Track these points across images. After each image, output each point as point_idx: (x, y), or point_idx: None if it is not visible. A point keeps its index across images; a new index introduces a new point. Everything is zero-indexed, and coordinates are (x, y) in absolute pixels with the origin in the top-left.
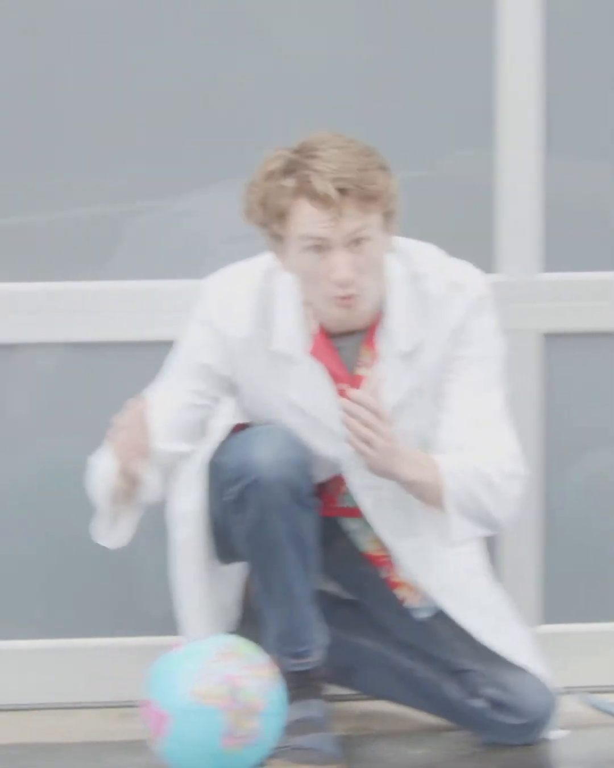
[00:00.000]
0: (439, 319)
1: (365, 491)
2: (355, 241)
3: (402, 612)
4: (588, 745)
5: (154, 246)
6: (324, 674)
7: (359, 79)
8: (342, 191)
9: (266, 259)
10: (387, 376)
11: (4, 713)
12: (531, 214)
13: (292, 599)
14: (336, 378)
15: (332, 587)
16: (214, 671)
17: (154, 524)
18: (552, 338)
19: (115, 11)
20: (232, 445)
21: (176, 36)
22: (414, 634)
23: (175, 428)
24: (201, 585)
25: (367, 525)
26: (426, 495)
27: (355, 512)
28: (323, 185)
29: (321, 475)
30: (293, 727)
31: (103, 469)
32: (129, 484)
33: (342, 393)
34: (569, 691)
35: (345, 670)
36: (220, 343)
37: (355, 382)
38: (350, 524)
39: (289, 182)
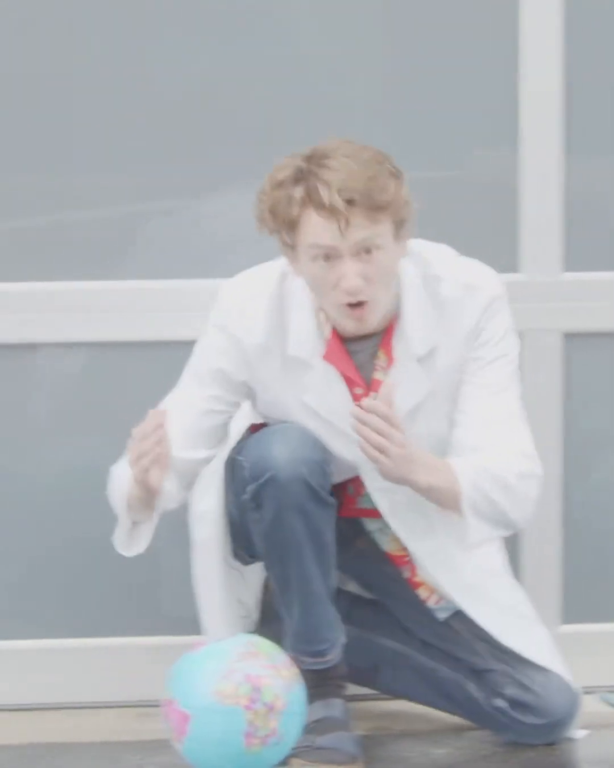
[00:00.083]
0: (454, 322)
1: (382, 493)
2: (365, 250)
3: (424, 612)
4: (609, 745)
5: (175, 246)
6: (344, 673)
7: (382, 79)
8: (349, 201)
9: (282, 262)
10: (402, 379)
11: (23, 713)
12: (553, 214)
13: (310, 597)
14: (350, 382)
15: (354, 587)
16: (235, 671)
17: (175, 524)
18: (573, 338)
19: (137, 12)
20: (249, 444)
21: (199, 38)
22: (436, 633)
23: (193, 435)
24: (221, 584)
25: (387, 525)
26: (442, 499)
27: (375, 513)
28: (329, 195)
29: (339, 477)
30: (314, 727)
31: (120, 478)
32: (146, 494)
33: (357, 397)
34: (589, 690)
35: (367, 670)
36: (235, 348)
37: (371, 386)
38: (371, 524)
39: (298, 192)
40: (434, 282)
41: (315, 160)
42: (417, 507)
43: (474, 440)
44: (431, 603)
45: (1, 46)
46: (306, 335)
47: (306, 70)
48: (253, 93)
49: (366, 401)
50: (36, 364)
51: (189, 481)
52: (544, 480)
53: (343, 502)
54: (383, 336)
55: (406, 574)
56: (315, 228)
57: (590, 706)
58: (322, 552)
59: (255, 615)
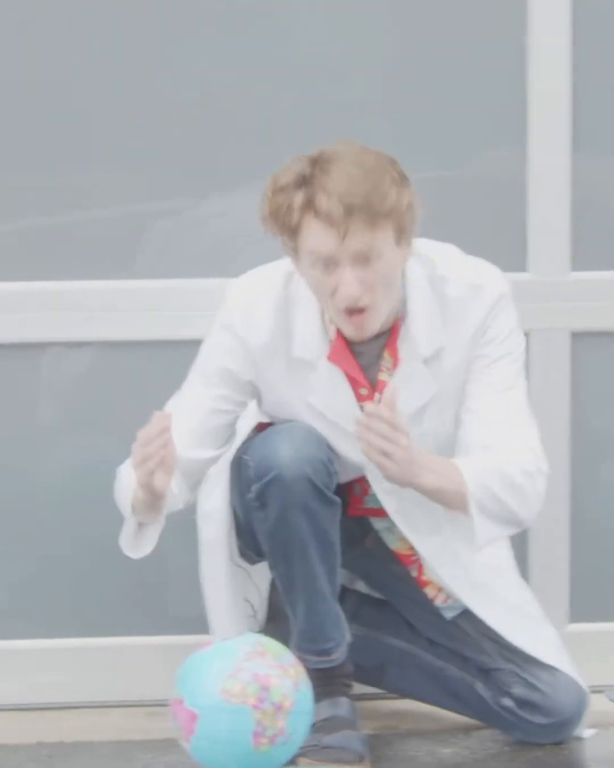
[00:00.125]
0: (460, 322)
1: (388, 493)
2: (364, 258)
3: (432, 611)
4: None
5: (180, 246)
6: (350, 672)
7: (388, 79)
8: (347, 210)
9: (287, 262)
10: (408, 380)
11: (33, 712)
12: (560, 213)
13: (315, 596)
14: (355, 383)
15: (362, 586)
16: (243, 670)
17: (183, 524)
18: (580, 337)
19: (142, 14)
20: (254, 444)
21: (206, 39)
22: (443, 632)
23: (200, 434)
24: (227, 583)
25: (394, 524)
26: (449, 501)
27: (382, 512)
28: (328, 203)
29: (345, 477)
30: (321, 726)
31: (126, 481)
32: (151, 497)
33: (362, 398)
34: (597, 689)
35: (374, 669)
36: (241, 348)
37: (376, 387)
38: (378, 523)
39: (298, 198)
40: (440, 282)
41: (318, 165)
42: (423, 506)
43: (481, 439)
44: (438, 602)
45: (6, 47)
46: (311, 336)
47: (311, 70)
48: (258, 93)
49: (369, 406)
50: (42, 364)
51: (196, 480)
52: (552, 479)
53: (350, 502)
54: (388, 337)
55: (413, 573)
56: (315, 235)
57: (598, 705)
58: (327, 551)
59: (262, 614)
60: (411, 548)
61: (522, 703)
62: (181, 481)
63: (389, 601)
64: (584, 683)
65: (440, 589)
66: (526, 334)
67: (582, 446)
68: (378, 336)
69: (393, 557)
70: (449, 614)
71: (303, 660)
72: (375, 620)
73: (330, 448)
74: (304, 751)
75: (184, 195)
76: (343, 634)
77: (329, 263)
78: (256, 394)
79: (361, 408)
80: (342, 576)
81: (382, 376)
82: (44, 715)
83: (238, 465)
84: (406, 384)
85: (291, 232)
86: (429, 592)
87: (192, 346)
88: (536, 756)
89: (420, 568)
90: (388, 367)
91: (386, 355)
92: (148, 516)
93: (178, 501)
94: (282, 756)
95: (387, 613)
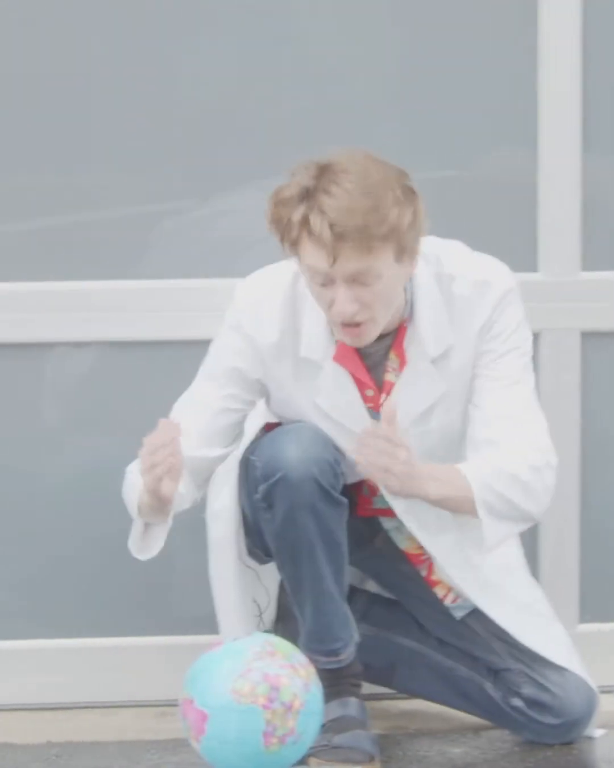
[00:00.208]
0: (466, 320)
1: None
2: (360, 279)
3: (441, 610)
4: None
5: (185, 246)
6: (359, 672)
7: (399, 79)
8: (339, 236)
9: (294, 262)
10: (415, 381)
11: (42, 712)
12: (571, 213)
13: (322, 596)
14: (361, 384)
15: (373, 586)
16: (252, 670)
17: (192, 523)
18: (591, 337)
19: (146, 15)
20: (262, 444)
21: (212, 39)
22: (453, 632)
23: (209, 434)
24: (236, 582)
25: (403, 524)
26: (456, 507)
27: (391, 512)
28: (320, 227)
29: (353, 477)
30: (331, 726)
31: (132, 484)
32: (158, 502)
33: (368, 399)
34: (607, 690)
35: (384, 669)
36: (250, 348)
37: (382, 388)
38: (387, 523)
39: (297, 214)
40: (447, 281)
41: (323, 179)
42: (432, 506)
43: (487, 435)
44: (447, 602)
45: (10, 48)
46: (317, 337)
47: (318, 70)
48: (264, 93)
49: (366, 428)
50: (47, 364)
51: (204, 478)
52: (562, 479)
53: (359, 502)
54: (395, 337)
55: (423, 572)
56: (309, 254)
57: (607, 705)
58: (334, 551)
59: (268, 615)
60: (421, 548)
61: (532, 703)
62: (188, 481)
63: (399, 601)
64: (594, 683)
65: (449, 589)
66: (536, 335)
67: (592, 446)
68: (383, 337)
69: (402, 557)
70: (458, 614)
71: (311, 660)
72: (385, 620)
73: (337, 449)
74: (314, 751)
75: (187, 195)
76: (351, 634)
77: (326, 280)
78: (265, 392)
79: (368, 409)
80: (352, 576)
81: (389, 377)
82: (53, 714)
83: (245, 465)
84: (414, 384)
85: (291, 243)
86: (439, 591)
87: (197, 346)
88: (546, 756)
89: (429, 567)
90: (395, 367)
91: (392, 355)
92: (155, 518)
93: (186, 500)
94: (292, 756)
95: (397, 613)
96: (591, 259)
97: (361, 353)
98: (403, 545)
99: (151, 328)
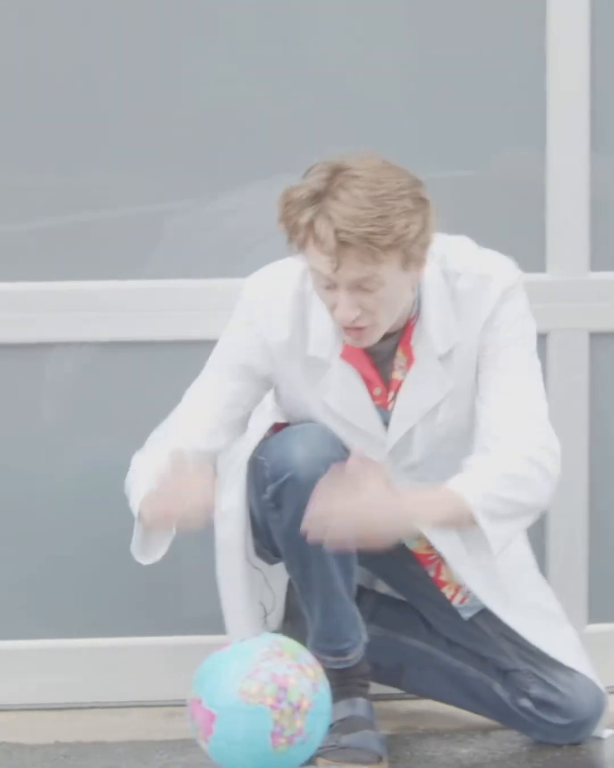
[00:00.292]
0: (471, 315)
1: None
2: (363, 286)
3: (450, 611)
4: None
5: (187, 246)
6: (367, 672)
7: (408, 78)
8: (342, 244)
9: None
10: (423, 378)
11: (50, 712)
12: (579, 213)
13: (331, 597)
14: (369, 382)
15: (383, 586)
16: (260, 670)
17: None
18: (599, 337)
19: (151, 14)
20: (270, 445)
21: (217, 37)
22: (461, 633)
23: (216, 427)
24: (244, 582)
25: None
26: (459, 524)
27: None
28: (325, 233)
29: None
30: (339, 726)
31: (135, 493)
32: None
33: (375, 397)
34: None
35: (392, 669)
36: (262, 344)
37: (389, 385)
38: None
39: (304, 217)
40: (453, 277)
41: (333, 183)
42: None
43: (490, 430)
44: (455, 602)
45: (15, 47)
46: (325, 335)
47: (327, 70)
48: (271, 93)
49: (305, 523)
50: (47, 364)
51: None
52: (570, 480)
53: None
54: (402, 335)
55: (431, 573)
56: (315, 257)
57: None
58: (342, 551)
59: (276, 616)
60: (430, 548)
61: (540, 703)
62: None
63: (407, 601)
64: (602, 684)
65: (457, 589)
66: (544, 335)
67: (600, 446)
68: (391, 334)
69: (411, 557)
70: (466, 614)
71: (319, 660)
72: (393, 621)
73: (345, 449)
74: (322, 752)
75: (189, 195)
76: (360, 634)
77: (330, 283)
78: (273, 387)
79: (376, 407)
80: (361, 576)
81: (396, 375)
82: (62, 715)
83: (254, 465)
84: (422, 382)
85: (298, 244)
86: (447, 592)
87: (197, 346)
88: (554, 756)
89: (437, 568)
90: (402, 365)
91: (400, 353)
92: (156, 530)
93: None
94: (300, 756)
95: (406, 614)
96: (599, 260)
97: (369, 351)
98: (412, 545)
99: (151, 328)
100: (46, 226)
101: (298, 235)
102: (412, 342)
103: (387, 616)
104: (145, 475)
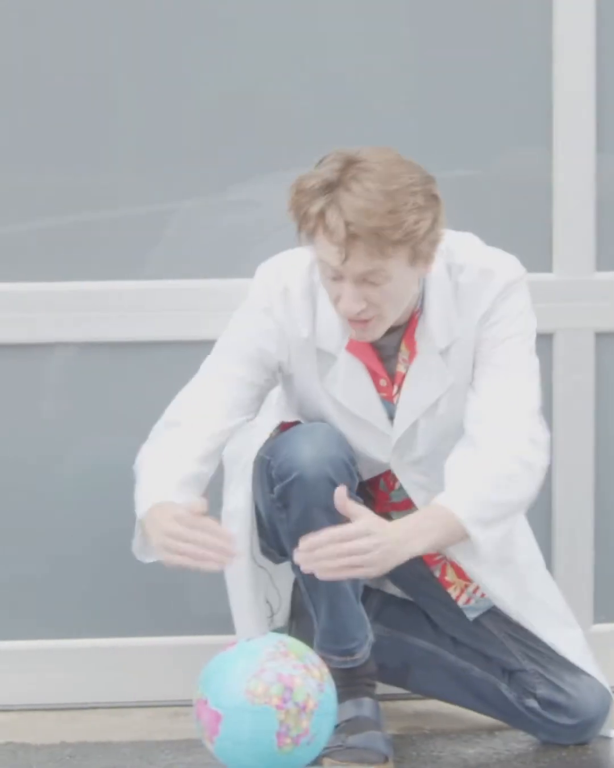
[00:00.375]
0: (472, 308)
1: (416, 486)
2: (370, 279)
3: (456, 611)
4: None
5: (192, 246)
6: (373, 672)
7: (415, 78)
8: (351, 236)
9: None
10: (424, 372)
11: (55, 712)
12: (585, 213)
13: (338, 596)
14: (375, 374)
15: (390, 587)
16: (266, 670)
17: None
18: (605, 337)
19: (155, 13)
20: (276, 444)
21: (219, 38)
22: (467, 633)
23: (232, 408)
24: (250, 582)
25: None
26: (450, 542)
27: (408, 504)
28: (335, 224)
29: (369, 473)
30: (345, 726)
31: (138, 497)
32: None
33: (381, 389)
34: None
35: (398, 670)
36: (279, 332)
37: (394, 378)
38: None
39: (315, 206)
40: (456, 271)
41: (346, 174)
42: None
43: (474, 425)
44: (461, 602)
45: (15, 48)
46: (331, 326)
47: (334, 69)
48: (276, 93)
49: (302, 543)
50: (47, 364)
51: (218, 458)
52: (576, 480)
53: (377, 498)
54: (406, 329)
55: (437, 573)
56: (324, 247)
57: None
58: None
59: (282, 616)
60: None
61: (547, 703)
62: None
63: (413, 602)
64: (608, 684)
65: (463, 590)
66: (550, 335)
67: (606, 446)
68: (396, 328)
69: (418, 557)
70: (472, 615)
71: (326, 660)
72: (399, 621)
73: (351, 448)
74: (328, 752)
75: (191, 196)
76: (366, 634)
77: (336, 275)
78: (284, 378)
79: (381, 399)
80: None
81: (400, 368)
82: (67, 715)
83: (260, 465)
84: (423, 376)
85: (307, 233)
86: (452, 592)
87: (197, 346)
88: (560, 756)
89: (443, 568)
90: (405, 359)
91: (403, 346)
92: None
93: (204, 484)
94: (306, 756)
95: (412, 614)
96: (605, 259)
97: (375, 345)
98: None
99: (151, 328)
100: (46, 226)
101: (307, 223)
102: (416, 335)
103: (393, 615)
104: (153, 474)
